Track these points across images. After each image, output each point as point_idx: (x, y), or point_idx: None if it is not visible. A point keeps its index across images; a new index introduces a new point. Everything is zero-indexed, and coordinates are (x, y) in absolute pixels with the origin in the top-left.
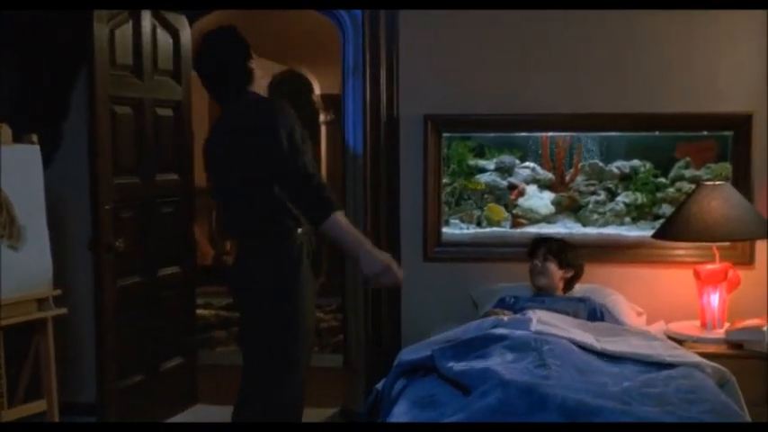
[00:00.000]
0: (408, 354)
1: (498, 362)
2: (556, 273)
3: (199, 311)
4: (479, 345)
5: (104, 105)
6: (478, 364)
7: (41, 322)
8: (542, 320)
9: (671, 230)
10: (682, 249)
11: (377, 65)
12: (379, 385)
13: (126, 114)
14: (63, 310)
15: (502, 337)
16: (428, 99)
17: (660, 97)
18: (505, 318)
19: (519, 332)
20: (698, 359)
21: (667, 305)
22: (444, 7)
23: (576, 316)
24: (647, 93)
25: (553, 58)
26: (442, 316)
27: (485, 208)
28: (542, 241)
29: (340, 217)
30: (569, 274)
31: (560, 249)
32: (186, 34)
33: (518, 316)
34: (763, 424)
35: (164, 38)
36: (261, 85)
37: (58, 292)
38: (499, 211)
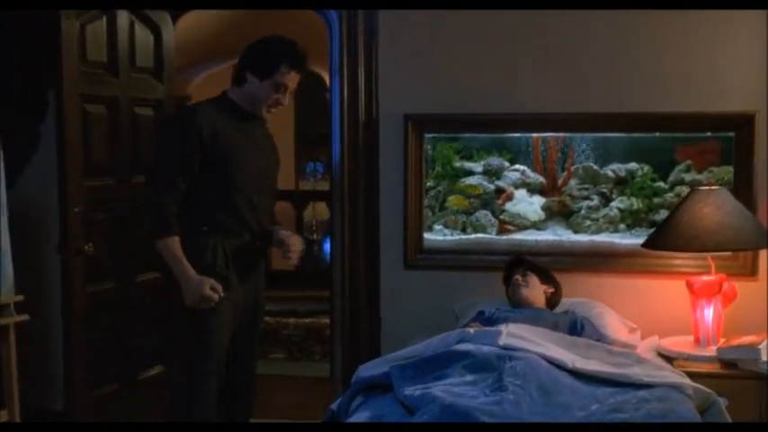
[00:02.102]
0: (366, 370)
1: (456, 381)
2: (538, 285)
3: None
4: (439, 364)
5: (73, 104)
6: (431, 386)
7: (3, 329)
8: (513, 334)
9: (660, 239)
10: (679, 259)
11: (355, 62)
12: (335, 405)
13: (99, 113)
14: (24, 317)
15: (464, 356)
16: (409, 98)
17: (658, 96)
18: (472, 330)
19: (485, 348)
20: (678, 380)
21: (663, 319)
22: (438, 7)
23: (556, 328)
24: (644, 91)
25: (545, 54)
26: (424, 326)
27: (449, 198)
28: (516, 262)
29: (170, 243)
30: (551, 291)
31: (538, 267)
32: (168, 31)
33: (487, 329)
34: (764, 424)
35: (143, 34)
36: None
37: (20, 298)
38: (461, 199)
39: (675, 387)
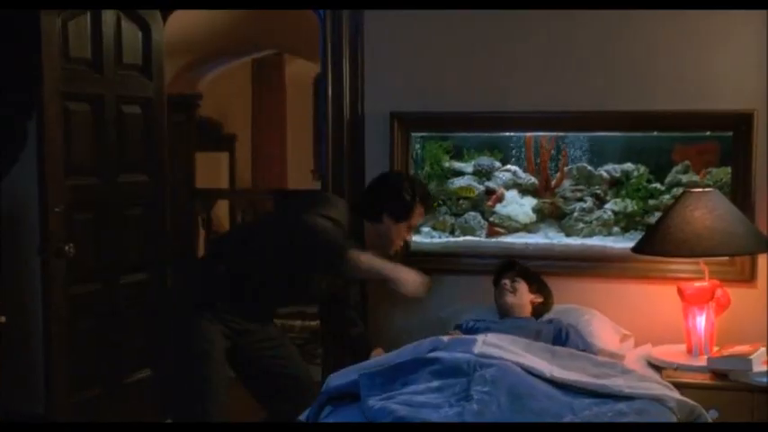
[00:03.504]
0: (336, 379)
1: (420, 389)
2: (526, 293)
3: None
4: (407, 370)
5: (54, 101)
6: (394, 394)
7: None
8: (489, 342)
9: (649, 244)
10: (674, 264)
11: (339, 58)
12: (303, 416)
13: (82, 111)
14: (1, 319)
15: (433, 362)
16: (396, 95)
17: (654, 94)
18: (446, 338)
19: (458, 354)
20: (660, 392)
21: (657, 326)
22: (436, 7)
23: (538, 337)
24: (640, 89)
25: (537, 50)
26: (409, 332)
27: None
28: (506, 266)
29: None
30: (539, 300)
31: (529, 273)
32: (158, 28)
33: (462, 336)
34: (763, 424)
35: (130, 30)
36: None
37: None
38: (470, 190)
39: (657, 400)
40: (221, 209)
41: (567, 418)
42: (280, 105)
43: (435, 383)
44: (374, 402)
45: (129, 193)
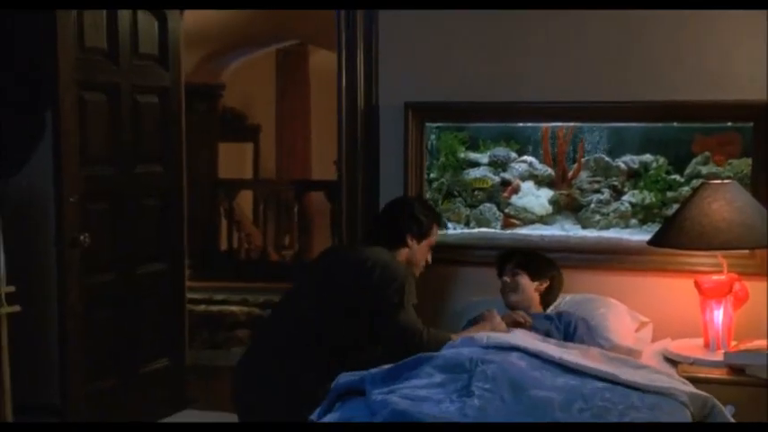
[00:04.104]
0: (345, 377)
1: (422, 383)
2: (529, 286)
3: (230, 308)
4: (411, 365)
5: (69, 91)
6: (396, 388)
7: None
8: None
9: (665, 237)
10: (692, 257)
11: (353, 46)
12: (314, 415)
13: (98, 101)
14: (16, 308)
15: (435, 358)
16: (410, 85)
17: (673, 84)
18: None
19: (462, 350)
20: (669, 384)
21: (675, 320)
22: (446, 7)
23: (548, 335)
24: (659, 79)
25: (554, 39)
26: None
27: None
28: (506, 256)
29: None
30: (545, 285)
31: (529, 260)
32: (175, 17)
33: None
34: (763, 424)
35: (147, 20)
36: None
37: (11, 288)
38: (485, 181)
39: (667, 394)
40: (244, 199)
41: (577, 405)
42: (304, 96)
43: (438, 378)
44: (376, 396)
45: (145, 183)
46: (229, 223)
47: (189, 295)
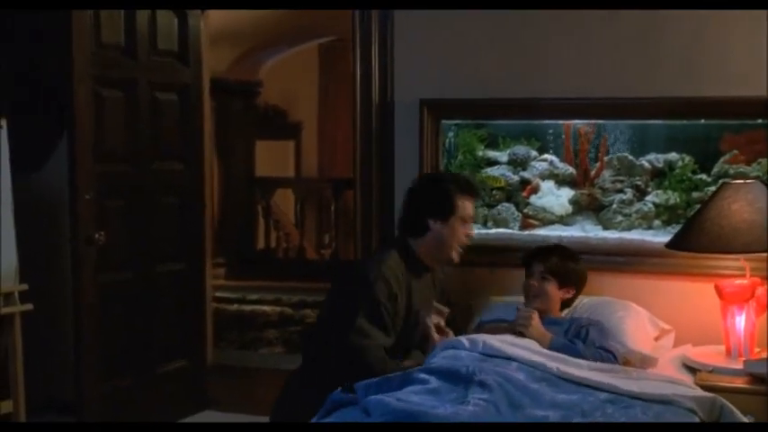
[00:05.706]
0: (338, 393)
1: (417, 389)
2: (555, 294)
3: (263, 308)
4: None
5: (84, 86)
6: (390, 394)
7: (8, 318)
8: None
9: (684, 239)
10: (714, 260)
11: (368, 42)
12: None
13: (114, 97)
14: (29, 306)
15: (430, 361)
16: (426, 82)
17: (700, 79)
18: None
19: (456, 359)
20: (671, 392)
21: (697, 325)
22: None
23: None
24: (684, 74)
25: (575, 33)
26: None
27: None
28: (540, 256)
29: None
30: (570, 294)
31: (562, 265)
32: (195, 13)
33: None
34: (763, 424)
35: (166, 16)
36: None
37: (24, 287)
38: (499, 179)
39: (669, 402)
40: (284, 198)
41: (576, 420)
42: (347, 92)
43: (434, 384)
44: (371, 398)
45: (163, 181)
46: (266, 222)
47: (221, 294)
